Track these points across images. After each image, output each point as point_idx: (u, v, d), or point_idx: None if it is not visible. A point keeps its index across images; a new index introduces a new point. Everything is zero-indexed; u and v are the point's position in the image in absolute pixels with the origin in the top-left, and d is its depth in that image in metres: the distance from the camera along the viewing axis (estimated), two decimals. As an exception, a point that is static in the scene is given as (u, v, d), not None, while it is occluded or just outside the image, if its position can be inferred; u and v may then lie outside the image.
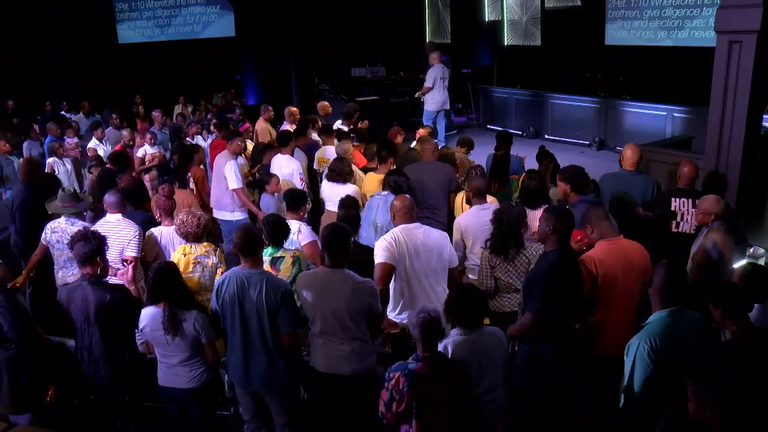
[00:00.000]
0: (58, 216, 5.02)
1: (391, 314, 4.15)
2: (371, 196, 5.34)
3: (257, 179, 6.84)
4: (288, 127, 8.40)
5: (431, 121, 10.31)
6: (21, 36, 13.61)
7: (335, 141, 7.22)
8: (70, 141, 9.16)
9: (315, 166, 7.25)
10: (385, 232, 4.40)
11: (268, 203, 6.05)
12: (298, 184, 6.39)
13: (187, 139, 9.17)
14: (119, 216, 4.83)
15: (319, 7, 14.22)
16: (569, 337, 3.74)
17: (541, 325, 3.62)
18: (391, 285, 4.09)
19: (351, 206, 4.94)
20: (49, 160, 7.94)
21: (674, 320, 3.14)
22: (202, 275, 4.32)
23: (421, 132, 7.54)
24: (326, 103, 9.28)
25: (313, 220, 6.09)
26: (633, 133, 9.96)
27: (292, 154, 6.75)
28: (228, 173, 6.34)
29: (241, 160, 6.65)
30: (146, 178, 7.48)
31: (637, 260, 3.80)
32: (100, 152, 8.67)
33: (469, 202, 4.92)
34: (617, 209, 5.05)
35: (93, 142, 8.96)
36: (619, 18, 12.72)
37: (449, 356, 3.23)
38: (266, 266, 3.96)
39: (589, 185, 5.06)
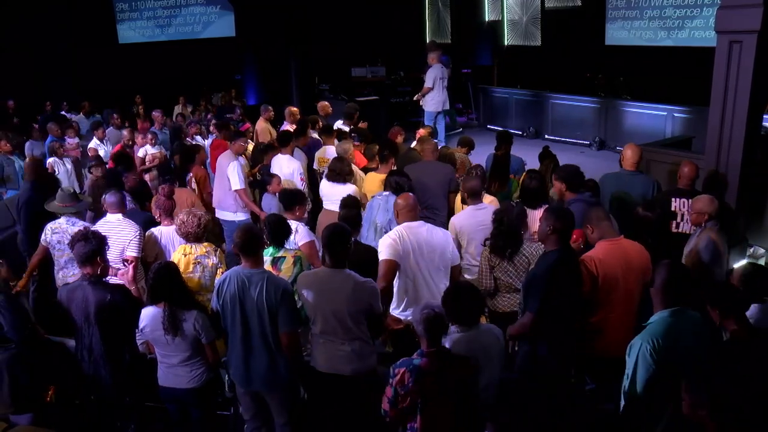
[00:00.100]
0: (59, 215, 5.02)
1: (395, 311, 4.17)
2: (372, 197, 5.34)
3: (259, 179, 6.84)
4: (288, 127, 8.40)
5: (432, 121, 10.31)
6: (21, 36, 13.62)
7: (335, 141, 7.23)
8: (71, 141, 9.16)
9: (315, 166, 7.26)
10: (385, 233, 4.41)
11: (270, 203, 6.04)
12: (299, 184, 6.40)
13: (187, 139, 9.17)
14: (120, 216, 4.84)
15: (319, 7, 14.21)
16: (569, 337, 3.74)
17: (541, 325, 3.62)
18: (395, 282, 4.11)
19: (352, 206, 4.95)
20: (50, 160, 7.95)
21: (676, 320, 3.14)
22: (203, 275, 4.32)
23: (421, 132, 7.54)
24: (326, 103, 9.28)
25: (312, 219, 6.09)
26: (633, 133, 9.97)
27: (292, 154, 6.76)
28: (231, 174, 6.33)
29: (242, 160, 6.65)
30: (146, 177, 7.49)
31: (637, 260, 3.80)
32: (101, 152, 8.68)
33: (464, 202, 4.93)
34: (617, 209, 5.06)
35: (94, 142, 8.97)
36: (620, 18, 12.72)
37: None
38: (267, 266, 3.97)
39: (585, 184, 5.06)
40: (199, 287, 4.29)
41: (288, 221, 4.50)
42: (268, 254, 4.13)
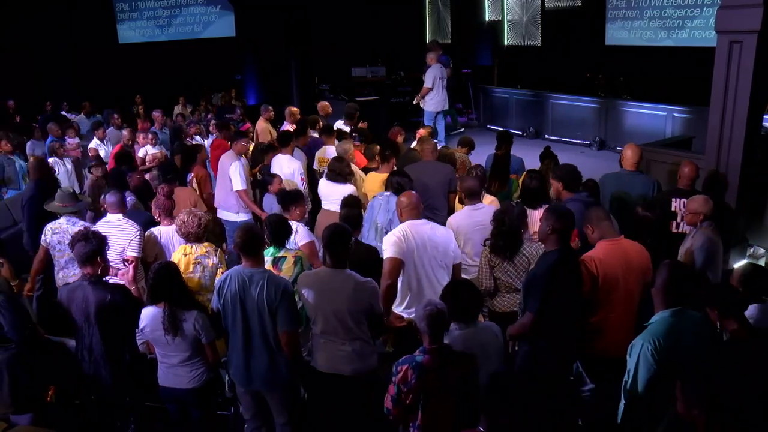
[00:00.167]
0: (59, 215, 5.02)
1: (398, 309, 4.18)
2: (373, 197, 5.34)
3: (260, 180, 6.84)
4: (288, 127, 8.41)
5: (431, 121, 10.31)
6: (21, 36, 13.62)
7: (335, 141, 7.23)
8: (71, 141, 9.17)
9: (315, 166, 7.26)
10: (386, 233, 4.42)
11: (271, 203, 6.04)
12: (299, 184, 6.40)
13: (187, 139, 9.18)
14: (120, 216, 4.84)
15: (319, 7, 14.21)
16: (569, 337, 3.74)
17: (541, 325, 3.62)
18: (398, 279, 4.12)
19: (353, 206, 4.95)
20: (50, 160, 7.94)
21: (677, 320, 3.14)
22: (203, 275, 4.32)
23: (421, 132, 7.54)
24: (326, 103, 9.29)
25: (312, 219, 6.09)
26: (633, 133, 9.96)
27: (292, 154, 6.76)
28: (233, 174, 6.33)
29: (243, 160, 6.65)
30: (146, 177, 7.48)
31: (637, 260, 3.80)
32: (102, 153, 8.69)
33: (461, 202, 4.93)
34: (617, 209, 5.06)
35: (94, 143, 8.98)
36: (620, 18, 12.72)
37: None
38: (268, 266, 3.97)
39: (585, 184, 5.06)
40: (199, 287, 4.28)
41: (289, 221, 4.51)
42: (268, 254, 4.14)
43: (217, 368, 3.88)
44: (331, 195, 5.75)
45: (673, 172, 5.67)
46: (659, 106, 10.22)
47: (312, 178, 7.08)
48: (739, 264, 4.25)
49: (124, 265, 4.74)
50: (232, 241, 3.88)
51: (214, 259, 4.38)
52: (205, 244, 4.44)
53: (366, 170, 6.44)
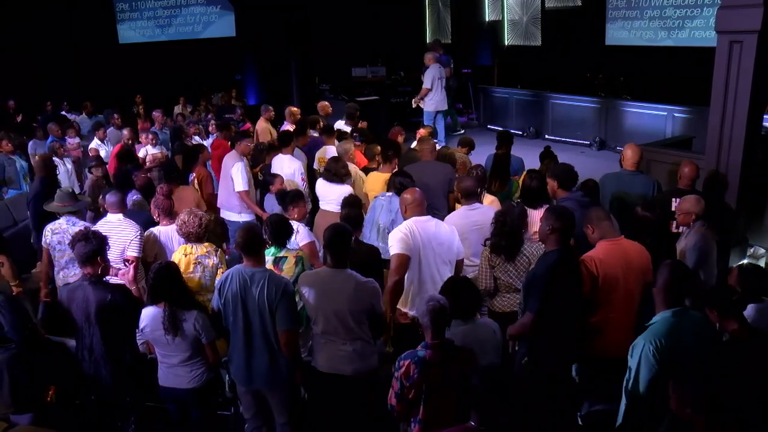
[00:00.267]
0: (59, 215, 5.02)
1: (403, 306, 4.19)
2: (375, 197, 5.34)
3: (261, 180, 6.84)
4: (289, 127, 8.41)
5: (431, 121, 10.31)
6: (21, 36, 13.62)
7: (335, 141, 7.23)
8: (72, 141, 9.17)
9: (315, 166, 7.26)
10: (388, 233, 4.43)
11: (273, 204, 6.04)
12: (300, 184, 6.40)
13: (187, 139, 9.17)
14: (120, 216, 4.84)
15: (320, 7, 14.21)
16: (569, 337, 3.74)
17: (541, 325, 3.63)
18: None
19: (354, 205, 4.95)
20: (50, 160, 7.95)
21: (678, 320, 3.14)
22: (203, 275, 4.32)
23: (421, 132, 7.54)
24: (326, 103, 9.29)
25: (311, 220, 6.09)
26: (633, 133, 9.95)
27: (293, 154, 6.76)
28: (235, 175, 6.33)
29: (245, 160, 6.65)
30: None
31: (637, 260, 3.80)
32: (102, 153, 8.69)
33: (458, 201, 4.94)
34: (617, 209, 5.06)
35: (95, 143, 8.98)
36: (620, 18, 12.71)
37: None
38: (269, 266, 3.97)
39: (576, 183, 5.05)
40: (200, 287, 4.29)
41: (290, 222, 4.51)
42: (269, 254, 4.14)
43: (218, 368, 3.88)
44: (328, 195, 5.76)
45: (673, 172, 5.67)
46: (659, 106, 10.22)
47: (312, 178, 7.08)
48: (738, 264, 4.24)
49: (125, 265, 4.74)
50: (234, 242, 3.89)
51: (215, 259, 4.38)
52: (206, 244, 4.43)
53: (366, 170, 6.44)
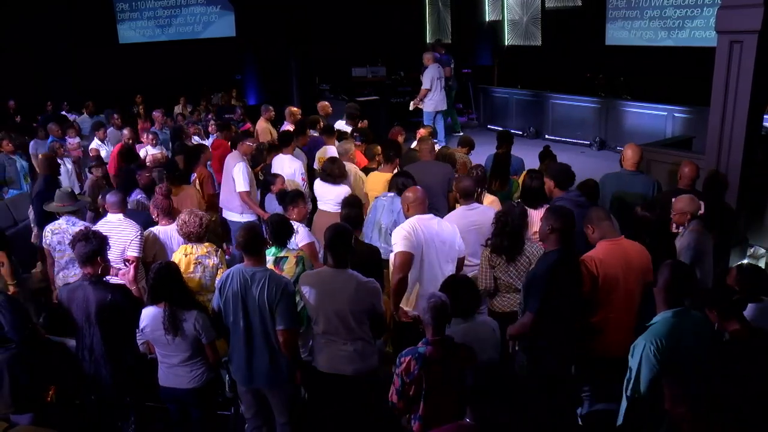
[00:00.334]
0: (59, 215, 5.03)
1: (402, 304, 4.19)
2: (376, 197, 5.34)
3: (262, 180, 6.84)
4: (289, 127, 8.40)
5: (431, 121, 10.31)
6: (21, 36, 13.62)
7: (336, 141, 7.23)
8: (72, 141, 9.17)
9: (315, 166, 7.25)
10: (389, 234, 4.43)
11: (274, 204, 6.03)
12: (301, 184, 6.40)
13: (187, 140, 9.17)
14: (120, 216, 4.84)
15: (320, 7, 14.21)
16: (569, 337, 3.75)
17: (541, 325, 3.63)
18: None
19: (354, 205, 4.94)
20: (50, 160, 7.94)
21: (679, 320, 3.14)
22: (203, 275, 4.32)
23: (421, 132, 7.55)
24: (326, 103, 9.28)
25: (310, 220, 6.09)
26: (633, 133, 9.95)
27: (293, 154, 6.76)
28: (236, 175, 6.32)
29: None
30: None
31: (637, 260, 3.80)
32: (102, 153, 8.68)
33: (456, 201, 4.94)
34: (618, 209, 5.06)
35: (95, 143, 8.97)
36: (620, 18, 12.71)
37: None
38: (270, 266, 3.97)
39: (573, 183, 5.05)
40: (200, 287, 4.29)
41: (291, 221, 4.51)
42: (270, 254, 4.14)
43: (218, 368, 3.88)
44: (325, 195, 5.77)
45: (673, 172, 5.67)
46: (659, 106, 10.22)
47: (313, 178, 7.08)
48: (737, 264, 4.24)
49: (125, 265, 4.74)
50: (235, 241, 3.89)
51: (215, 259, 4.38)
52: (206, 244, 4.44)
53: (366, 170, 6.44)
